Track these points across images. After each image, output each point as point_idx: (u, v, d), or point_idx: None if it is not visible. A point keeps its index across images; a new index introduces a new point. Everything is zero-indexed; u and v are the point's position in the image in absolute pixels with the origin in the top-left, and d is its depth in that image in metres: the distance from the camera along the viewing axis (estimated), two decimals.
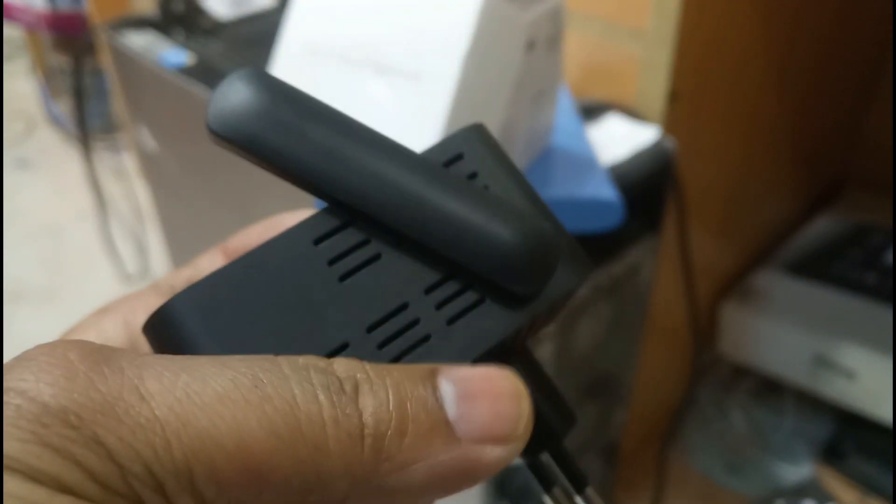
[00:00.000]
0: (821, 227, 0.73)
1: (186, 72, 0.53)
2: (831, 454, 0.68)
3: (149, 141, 0.64)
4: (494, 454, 0.14)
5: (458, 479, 0.14)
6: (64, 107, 1.23)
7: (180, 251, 0.75)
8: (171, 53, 0.55)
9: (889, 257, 0.68)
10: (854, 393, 0.63)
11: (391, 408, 0.13)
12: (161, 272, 0.96)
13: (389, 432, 0.13)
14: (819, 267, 0.69)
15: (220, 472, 0.12)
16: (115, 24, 0.61)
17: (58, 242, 1.13)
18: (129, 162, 1.05)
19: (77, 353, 0.12)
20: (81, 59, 0.92)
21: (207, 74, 0.52)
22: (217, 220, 0.61)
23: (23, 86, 1.43)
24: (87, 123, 0.91)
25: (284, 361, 0.13)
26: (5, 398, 0.11)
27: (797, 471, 0.68)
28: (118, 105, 0.70)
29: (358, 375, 0.13)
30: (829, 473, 0.67)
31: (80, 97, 0.84)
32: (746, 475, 0.68)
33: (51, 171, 1.27)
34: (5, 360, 0.12)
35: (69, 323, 0.18)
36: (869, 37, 0.68)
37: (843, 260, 0.69)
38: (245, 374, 0.12)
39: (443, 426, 0.13)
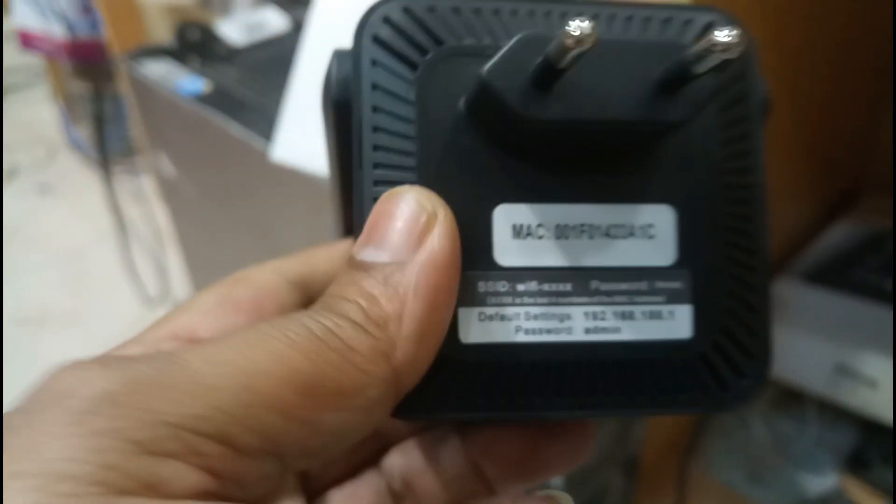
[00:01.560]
0: (838, 235, 0.73)
1: (203, 99, 0.54)
2: (855, 463, 0.67)
3: (168, 168, 0.65)
4: (437, 243, 0.15)
5: (437, 284, 0.15)
6: (84, 132, 1.25)
7: (201, 273, 0.76)
8: (188, 81, 0.56)
9: None
10: (877, 401, 0.62)
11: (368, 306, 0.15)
12: (182, 294, 0.97)
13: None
14: (837, 275, 0.68)
15: (276, 399, 0.13)
16: (132, 53, 0.63)
17: (80, 266, 1.14)
18: (148, 185, 1.06)
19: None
20: (100, 85, 0.93)
21: (224, 102, 0.53)
22: (237, 243, 0.62)
23: (44, 112, 1.45)
24: (107, 148, 0.93)
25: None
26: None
27: (821, 481, 0.67)
28: (136, 129, 0.71)
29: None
30: (853, 483, 0.66)
31: (99, 123, 0.85)
32: (769, 486, 0.68)
33: (72, 196, 1.29)
34: (32, 381, 0.13)
35: (93, 345, 0.19)
36: (882, 41, 0.68)
37: (861, 267, 0.69)
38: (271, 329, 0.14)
39: (386, 267, 0.15)
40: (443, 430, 0.20)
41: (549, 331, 0.16)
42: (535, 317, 0.16)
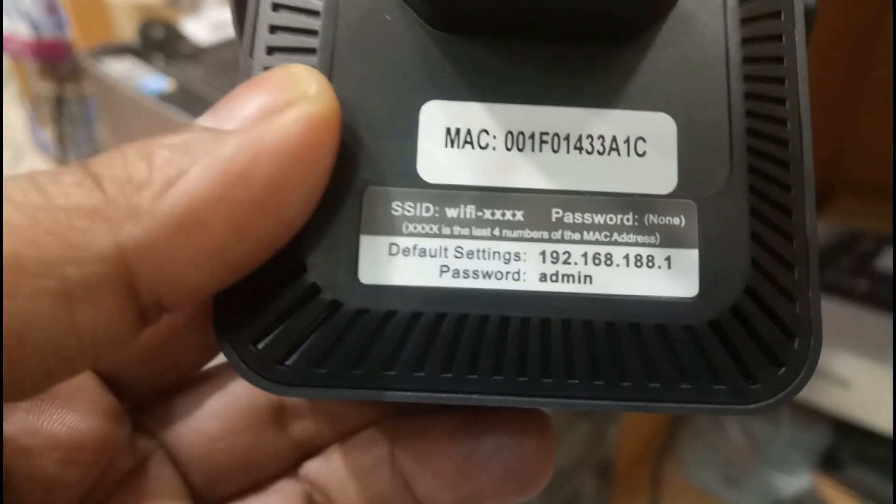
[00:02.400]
0: None
1: (166, 98, 0.52)
2: (829, 464, 0.67)
3: None
4: (279, 123, 0.11)
5: (246, 171, 0.11)
6: (50, 134, 1.23)
7: None
8: (151, 80, 0.55)
9: (880, 263, 0.68)
10: (849, 402, 0.63)
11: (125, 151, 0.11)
12: None
13: (130, 163, 0.11)
14: None
15: None
16: (95, 51, 0.61)
17: None
18: None
19: None
20: (65, 86, 0.92)
21: (187, 100, 0.52)
22: None
23: (11, 114, 1.43)
24: (74, 150, 0.91)
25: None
26: None
27: (795, 481, 0.67)
28: (105, 131, 0.70)
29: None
30: (827, 483, 0.66)
31: (61, 124, 0.84)
32: (744, 487, 0.68)
33: None
34: None
35: None
36: (853, 41, 0.68)
37: (834, 268, 0.69)
38: None
39: (201, 131, 0.11)
40: (371, 433, 0.16)
41: (488, 274, 0.12)
42: (470, 254, 0.12)
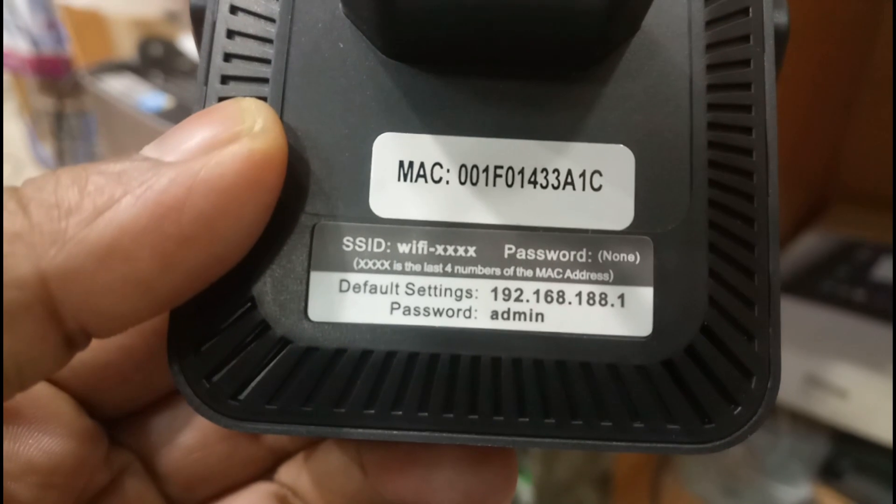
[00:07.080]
0: (807, 245, 0.73)
1: (165, 115, 0.53)
2: (828, 474, 0.67)
3: None
4: (217, 158, 0.11)
5: (179, 204, 0.11)
6: (50, 148, 1.23)
7: None
8: (150, 97, 0.55)
9: (877, 273, 0.68)
10: (847, 412, 0.63)
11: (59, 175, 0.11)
12: None
13: (58, 189, 0.11)
14: (807, 285, 0.68)
15: None
16: (94, 68, 0.62)
17: None
18: None
19: None
20: (65, 101, 0.92)
21: (185, 117, 0.52)
22: None
23: (10, 129, 1.43)
24: (74, 164, 0.91)
25: None
26: None
27: (795, 492, 0.67)
28: (104, 146, 0.70)
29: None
30: (826, 493, 0.66)
31: (59, 137, 0.84)
32: (743, 498, 0.68)
33: None
34: None
35: None
36: (848, 47, 0.69)
37: (830, 277, 0.69)
38: None
39: (141, 161, 0.11)
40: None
41: (439, 312, 0.12)
42: (422, 291, 0.12)
